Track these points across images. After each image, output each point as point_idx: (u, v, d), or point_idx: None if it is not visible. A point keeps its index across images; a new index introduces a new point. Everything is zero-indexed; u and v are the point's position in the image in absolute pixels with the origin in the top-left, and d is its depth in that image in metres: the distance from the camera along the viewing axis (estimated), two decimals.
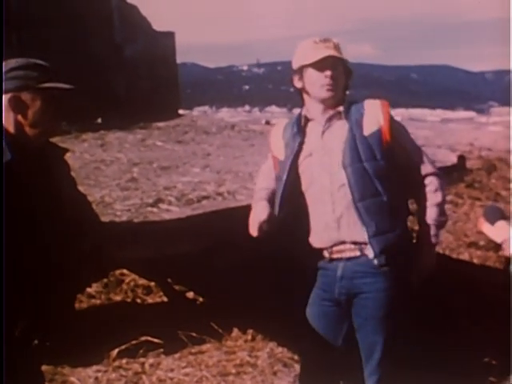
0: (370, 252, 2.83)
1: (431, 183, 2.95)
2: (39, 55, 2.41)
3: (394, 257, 2.83)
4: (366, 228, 2.80)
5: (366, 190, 2.80)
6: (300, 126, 2.96)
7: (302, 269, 3.06)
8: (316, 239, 2.95)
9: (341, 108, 2.91)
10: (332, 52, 2.88)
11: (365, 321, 2.92)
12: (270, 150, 3.10)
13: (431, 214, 2.95)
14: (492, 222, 2.58)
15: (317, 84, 2.89)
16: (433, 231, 2.96)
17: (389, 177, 2.84)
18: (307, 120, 2.96)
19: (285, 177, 2.93)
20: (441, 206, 2.98)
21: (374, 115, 2.88)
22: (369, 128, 2.85)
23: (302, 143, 2.94)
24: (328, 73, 2.86)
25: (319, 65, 2.86)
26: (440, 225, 2.99)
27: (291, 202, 2.94)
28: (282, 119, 3.16)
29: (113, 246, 2.99)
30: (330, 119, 2.91)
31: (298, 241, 2.98)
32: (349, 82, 2.98)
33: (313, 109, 2.95)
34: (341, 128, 2.89)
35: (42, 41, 7.12)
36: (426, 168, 2.96)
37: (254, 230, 2.88)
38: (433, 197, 2.95)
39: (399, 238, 2.85)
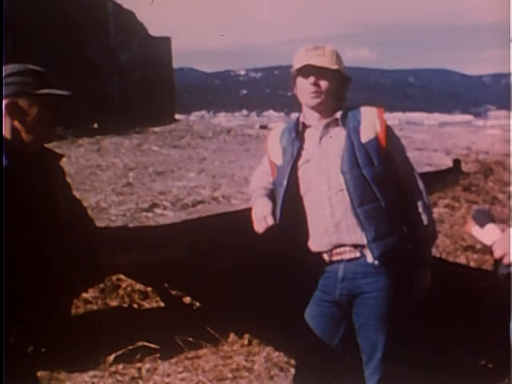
0: (369, 256, 2.85)
1: (419, 203, 2.97)
2: (35, 61, 2.41)
3: (394, 260, 2.85)
4: (366, 233, 2.82)
5: (364, 196, 2.82)
6: (298, 132, 2.97)
7: (298, 273, 3.06)
8: (315, 243, 2.95)
9: (338, 115, 2.92)
10: (317, 60, 2.88)
11: (366, 320, 2.93)
12: (267, 154, 3.10)
13: (424, 236, 2.99)
14: (481, 224, 2.59)
15: (303, 91, 2.91)
16: (426, 253, 3.01)
17: (387, 182, 2.86)
18: (305, 126, 2.97)
19: (285, 182, 2.93)
20: (431, 225, 3.01)
21: (370, 122, 2.89)
22: (366, 135, 2.87)
23: (300, 149, 2.95)
24: (311, 80, 2.87)
25: (304, 72, 2.88)
26: (430, 245, 3.04)
27: (291, 207, 2.94)
28: (278, 124, 3.16)
29: (108, 251, 2.99)
30: (327, 126, 2.93)
31: (296, 245, 2.98)
32: (344, 89, 2.97)
33: (309, 115, 2.96)
34: (338, 134, 2.90)
35: (38, 46, 7.12)
36: (414, 183, 2.99)
37: (259, 227, 2.88)
38: (423, 217, 2.97)
39: (398, 242, 2.87)
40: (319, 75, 2.88)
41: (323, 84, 2.89)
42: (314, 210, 2.92)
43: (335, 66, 2.90)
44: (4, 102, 2.27)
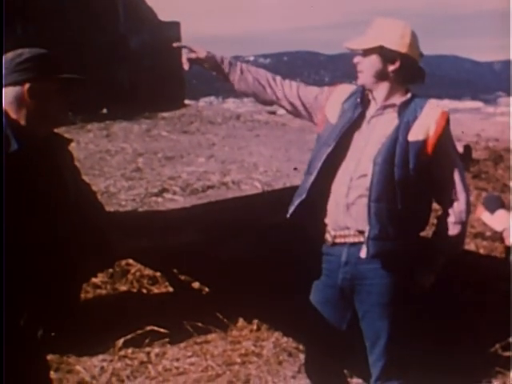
0: (363, 251, 2.81)
1: (454, 214, 2.86)
2: (44, 46, 2.41)
3: (389, 260, 2.82)
4: (369, 228, 2.77)
5: (384, 193, 2.75)
6: (363, 100, 2.89)
7: (309, 258, 3.05)
8: (328, 219, 2.92)
9: (397, 101, 2.84)
10: (353, 43, 2.87)
11: (370, 307, 2.91)
12: (323, 106, 2.99)
13: (443, 244, 2.91)
14: (492, 210, 2.58)
15: None
16: (439, 260, 2.94)
17: (413, 188, 2.77)
18: (368, 99, 2.90)
19: (334, 143, 2.84)
20: (456, 238, 2.91)
21: (426, 123, 2.78)
22: (415, 134, 2.77)
23: (361, 115, 2.87)
24: (355, 60, 2.88)
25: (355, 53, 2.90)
26: (449, 256, 2.94)
27: (328, 170, 2.86)
28: (348, 85, 3.02)
29: (117, 235, 2.98)
30: (384, 108, 2.85)
31: (316, 220, 2.94)
32: (388, 69, 2.82)
33: (374, 91, 2.88)
34: (389, 121, 2.82)
35: (47, 31, 7.10)
36: (454, 195, 2.86)
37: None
38: (451, 228, 2.88)
39: (397, 248, 2.81)
40: (362, 54, 2.85)
41: (362, 64, 2.85)
42: (338, 182, 2.87)
43: (368, 45, 2.82)
44: (16, 87, 2.28)
